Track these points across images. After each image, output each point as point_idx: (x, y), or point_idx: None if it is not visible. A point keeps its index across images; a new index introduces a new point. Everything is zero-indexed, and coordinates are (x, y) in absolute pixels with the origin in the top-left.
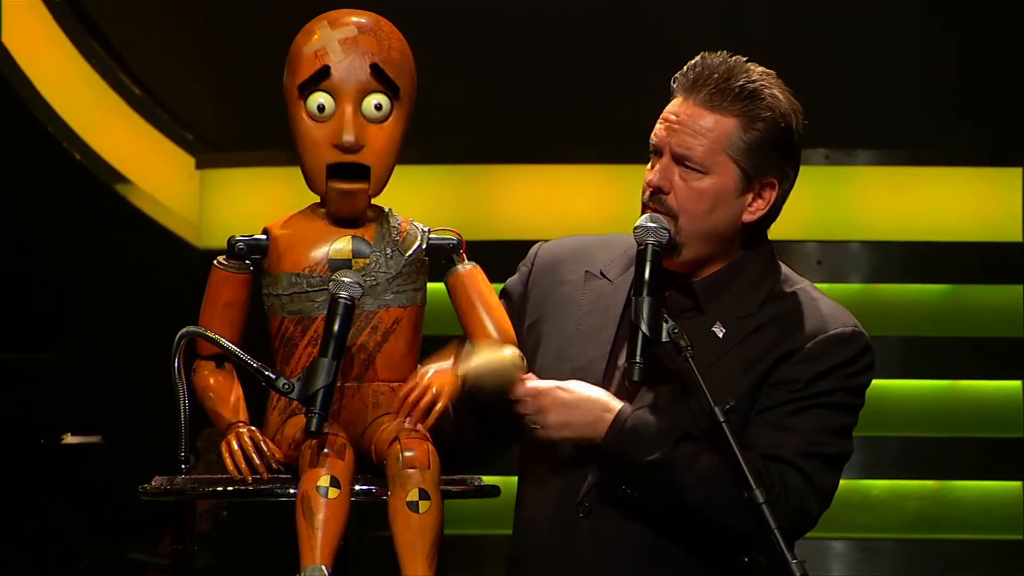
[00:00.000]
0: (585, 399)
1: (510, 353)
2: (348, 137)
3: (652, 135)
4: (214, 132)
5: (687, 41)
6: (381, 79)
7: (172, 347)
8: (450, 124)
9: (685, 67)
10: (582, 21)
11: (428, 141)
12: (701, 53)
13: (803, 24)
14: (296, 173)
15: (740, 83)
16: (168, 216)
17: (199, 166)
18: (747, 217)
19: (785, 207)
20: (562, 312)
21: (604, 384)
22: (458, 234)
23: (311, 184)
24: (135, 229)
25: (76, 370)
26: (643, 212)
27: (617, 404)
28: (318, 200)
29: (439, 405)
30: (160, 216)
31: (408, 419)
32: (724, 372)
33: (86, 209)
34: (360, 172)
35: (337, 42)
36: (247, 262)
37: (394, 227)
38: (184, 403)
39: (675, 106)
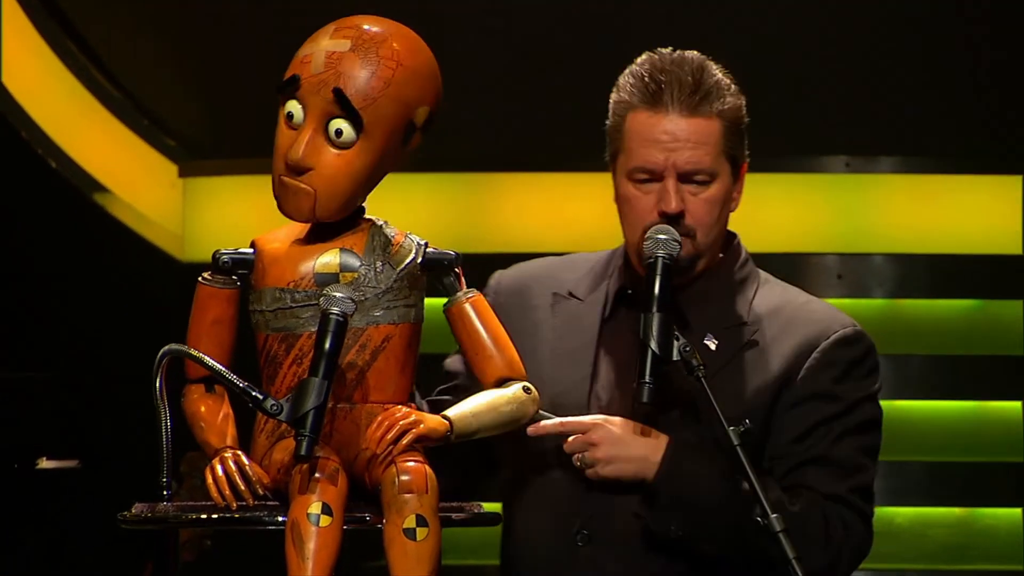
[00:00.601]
0: (635, 433)
1: (515, 392)
2: (293, 155)
3: (640, 161)
4: (198, 138)
5: (699, 46)
6: (343, 106)
7: (153, 366)
8: (448, 129)
9: (639, 75)
10: (589, 23)
11: (424, 147)
12: (646, 56)
13: (823, 27)
14: None
15: (713, 80)
16: (149, 227)
17: (182, 174)
18: (732, 207)
19: (803, 217)
20: (533, 338)
21: (587, 408)
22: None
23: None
24: (114, 241)
25: (51, 390)
26: (641, 238)
27: (665, 437)
28: None
29: (411, 435)
30: (140, 227)
31: (378, 447)
32: (724, 389)
33: (62, 220)
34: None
35: (324, 53)
36: (234, 277)
37: (386, 240)
38: (166, 426)
39: (665, 124)
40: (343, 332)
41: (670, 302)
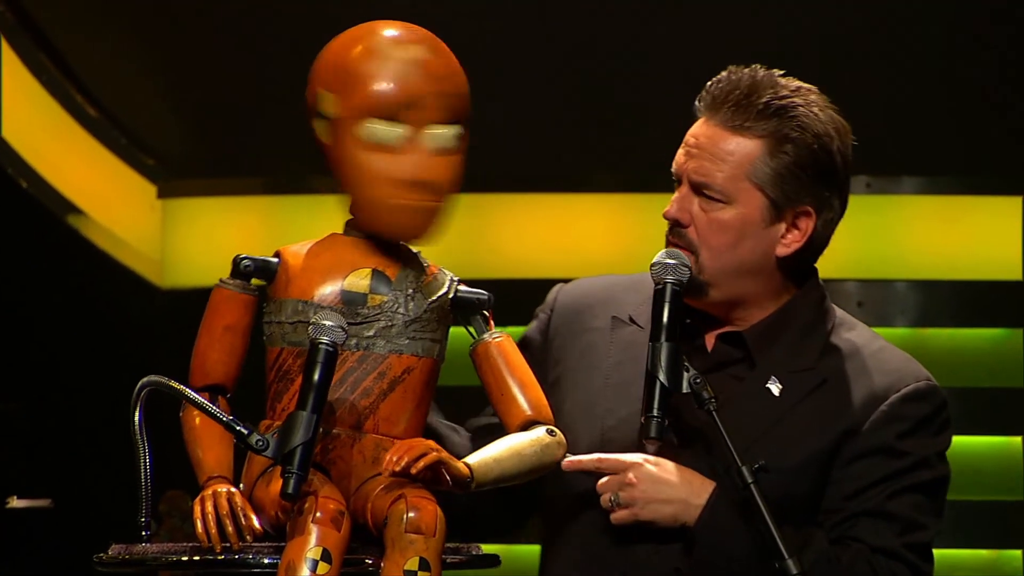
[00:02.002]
0: (677, 475)
1: (539, 436)
2: (423, 174)
3: (673, 161)
4: (178, 157)
5: (712, 60)
6: (455, 110)
7: (131, 399)
8: None
9: (710, 83)
10: (593, 36)
11: None
12: (729, 67)
13: (843, 40)
14: (273, 203)
15: (765, 99)
16: (126, 251)
17: (161, 195)
18: (781, 251)
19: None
20: (588, 363)
21: (638, 444)
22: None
23: (370, 220)
24: (89, 266)
25: (22, 424)
26: (667, 247)
27: (711, 483)
28: (340, 231)
29: (431, 457)
30: (117, 251)
31: (395, 463)
32: (783, 437)
33: (33, 244)
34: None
35: (413, 64)
36: (252, 284)
37: (420, 269)
38: (145, 462)
39: (696, 128)
40: (333, 363)
41: (680, 331)
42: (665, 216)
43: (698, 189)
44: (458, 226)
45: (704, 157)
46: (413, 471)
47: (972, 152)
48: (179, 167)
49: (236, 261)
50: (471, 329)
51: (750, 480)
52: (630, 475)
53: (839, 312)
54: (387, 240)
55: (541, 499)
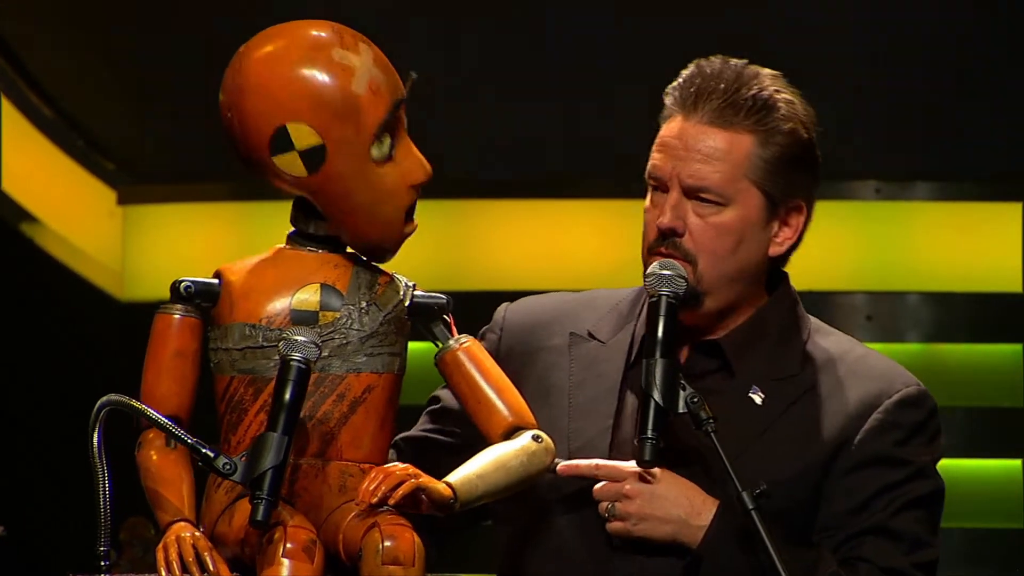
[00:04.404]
0: (677, 491)
1: (524, 444)
2: (428, 171)
3: (650, 166)
4: (140, 161)
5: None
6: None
7: (90, 420)
8: (431, 153)
9: (679, 80)
10: (584, 38)
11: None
12: (695, 61)
13: (848, 37)
14: (241, 210)
15: (752, 92)
16: (84, 262)
17: (122, 201)
18: (774, 250)
19: (829, 251)
20: (548, 384)
21: None
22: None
23: (383, 236)
24: (45, 277)
25: None
26: (647, 258)
27: (713, 501)
28: (283, 243)
29: (409, 485)
30: (75, 262)
31: (372, 493)
32: (770, 450)
33: None
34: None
35: (372, 67)
36: (194, 307)
37: (372, 278)
38: (104, 487)
39: (676, 128)
40: (305, 381)
41: (675, 347)
42: (658, 226)
43: (692, 193)
44: (443, 234)
45: (696, 159)
46: (391, 502)
47: (991, 155)
48: (141, 171)
49: (175, 286)
50: (432, 336)
51: (751, 506)
52: (627, 487)
53: (813, 319)
54: (344, 251)
55: (501, 512)
